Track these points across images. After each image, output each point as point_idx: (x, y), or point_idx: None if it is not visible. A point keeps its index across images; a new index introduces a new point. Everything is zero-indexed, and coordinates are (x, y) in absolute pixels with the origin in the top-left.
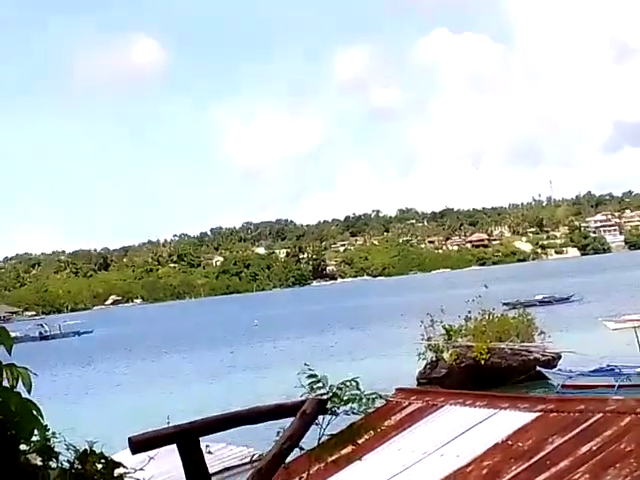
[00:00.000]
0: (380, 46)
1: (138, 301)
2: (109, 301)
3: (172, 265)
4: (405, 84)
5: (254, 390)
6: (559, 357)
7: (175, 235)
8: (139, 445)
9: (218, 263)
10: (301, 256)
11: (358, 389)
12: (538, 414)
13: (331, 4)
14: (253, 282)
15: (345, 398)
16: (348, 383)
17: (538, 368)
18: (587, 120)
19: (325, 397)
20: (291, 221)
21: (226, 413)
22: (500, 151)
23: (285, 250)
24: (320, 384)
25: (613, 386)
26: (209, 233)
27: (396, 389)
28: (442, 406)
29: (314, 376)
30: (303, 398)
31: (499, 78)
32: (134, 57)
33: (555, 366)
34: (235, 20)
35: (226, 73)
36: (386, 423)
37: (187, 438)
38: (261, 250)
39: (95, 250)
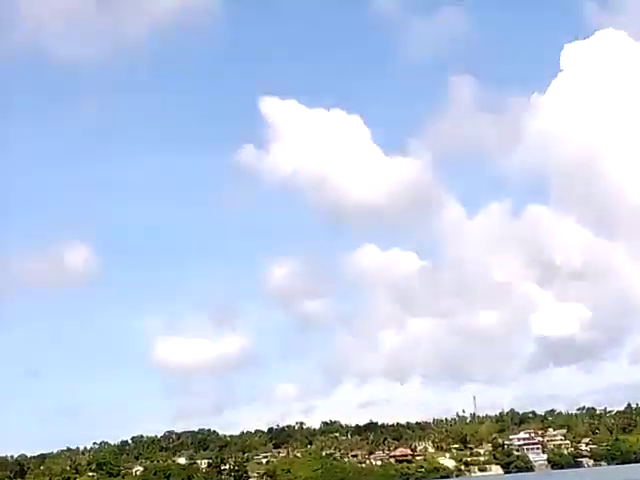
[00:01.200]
0: (308, 258)
1: None
2: None
3: (91, 474)
4: (333, 297)
5: None
6: None
7: (95, 443)
8: None
9: (138, 472)
10: (223, 467)
11: None
12: None
13: (257, 217)
14: None
15: None
16: None
17: None
18: (514, 338)
19: None
20: (214, 431)
21: None
22: (426, 367)
23: (207, 460)
24: None
25: None
26: (130, 441)
27: None
28: None
29: None
30: None
31: (425, 294)
32: (66, 263)
33: None
34: (166, 229)
35: (154, 281)
36: None
37: None
38: (182, 460)
39: (12, 457)
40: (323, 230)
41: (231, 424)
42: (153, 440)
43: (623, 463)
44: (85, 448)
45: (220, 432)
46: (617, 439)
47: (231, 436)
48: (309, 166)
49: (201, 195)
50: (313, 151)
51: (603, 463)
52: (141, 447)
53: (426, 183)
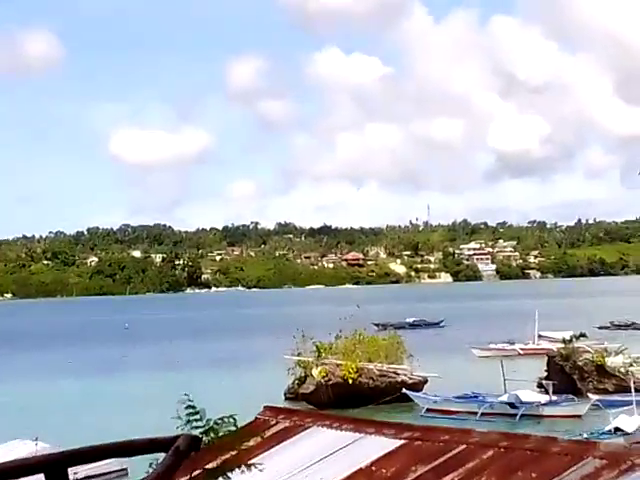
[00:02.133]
0: (272, 59)
1: (8, 296)
2: None
3: (46, 262)
4: (295, 99)
5: (120, 397)
6: (426, 381)
7: (51, 232)
8: (3, 474)
9: (93, 263)
10: (177, 262)
11: (235, 426)
12: (403, 441)
13: (226, 13)
14: (127, 285)
15: (220, 434)
16: (226, 419)
17: (404, 390)
18: (471, 149)
19: (200, 431)
20: (169, 227)
21: (98, 445)
22: (383, 173)
23: (161, 255)
24: (198, 416)
25: (476, 413)
26: (85, 232)
27: (264, 407)
28: (309, 427)
29: (192, 407)
30: (179, 432)
31: (387, 101)
32: (29, 50)
33: (421, 389)
34: (132, 22)
35: (118, 73)
36: (251, 441)
37: (56, 468)
38: (137, 253)
39: None
40: (288, 31)
41: (186, 220)
42: (108, 232)
43: (569, 276)
44: (41, 237)
45: (175, 228)
46: (565, 253)
47: (186, 232)
48: None
49: None
50: None
51: (550, 276)
52: (96, 238)
53: None
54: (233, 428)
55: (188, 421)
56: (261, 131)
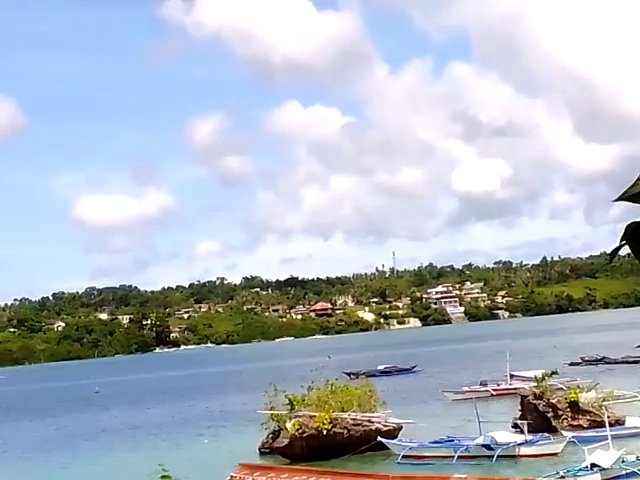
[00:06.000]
0: (232, 116)
1: None
2: None
3: (12, 330)
4: (257, 154)
5: (91, 466)
6: (400, 428)
7: (16, 299)
8: None
9: (59, 328)
10: (144, 322)
11: None
12: None
13: (183, 70)
14: (95, 348)
15: None
16: None
17: (379, 438)
18: (435, 194)
19: None
20: (135, 287)
21: None
22: (348, 223)
23: (128, 316)
24: None
25: (452, 457)
26: (51, 298)
27: (239, 464)
28: None
29: (167, 477)
30: None
31: (348, 151)
32: None
33: (396, 436)
34: (88, 84)
35: (77, 140)
36: None
37: None
38: (104, 316)
39: None
40: (247, 86)
41: (152, 281)
42: (74, 296)
43: (537, 315)
44: (6, 305)
45: (141, 288)
46: (532, 292)
47: (152, 292)
48: (237, 19)
49: (124, 49)
50: (242, 3)
51: (518, 315)
52: (62, 303)
53: (354, 40)
54: None
55: None
56: (223, 188)
